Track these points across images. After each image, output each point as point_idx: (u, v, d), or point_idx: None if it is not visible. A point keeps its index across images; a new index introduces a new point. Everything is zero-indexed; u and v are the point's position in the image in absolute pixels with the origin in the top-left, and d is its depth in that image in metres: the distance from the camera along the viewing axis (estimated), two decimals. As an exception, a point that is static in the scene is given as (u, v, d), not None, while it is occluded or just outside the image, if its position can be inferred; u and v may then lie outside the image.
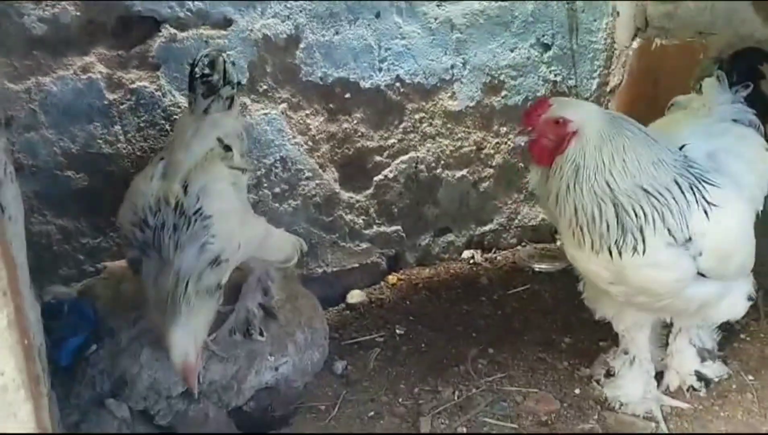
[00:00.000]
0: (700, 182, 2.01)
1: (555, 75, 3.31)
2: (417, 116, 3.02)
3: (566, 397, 2.37)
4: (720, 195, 2.01)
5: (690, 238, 1.96)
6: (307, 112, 2.79)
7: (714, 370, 2.40)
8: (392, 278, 3.16)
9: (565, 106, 2.02)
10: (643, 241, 1.92)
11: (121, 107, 2.48)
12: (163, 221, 1.99)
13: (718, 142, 2.20)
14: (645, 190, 1.93)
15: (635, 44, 3.47)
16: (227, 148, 2.21)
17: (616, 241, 1.92)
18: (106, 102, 2.45)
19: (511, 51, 3.16)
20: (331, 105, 2.83)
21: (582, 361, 2.55)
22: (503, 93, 3.19)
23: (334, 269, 3.01)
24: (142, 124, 2.52)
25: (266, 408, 2.32)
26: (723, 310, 2.20)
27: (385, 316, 2.89)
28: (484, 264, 3.29)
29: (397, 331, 2.77)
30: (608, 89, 3.55)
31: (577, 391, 2.40)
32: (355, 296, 3.02)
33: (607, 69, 3.51)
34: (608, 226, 1.93)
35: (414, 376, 2.49)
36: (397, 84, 2.94)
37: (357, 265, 3.07)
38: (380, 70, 2.89)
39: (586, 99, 3.37)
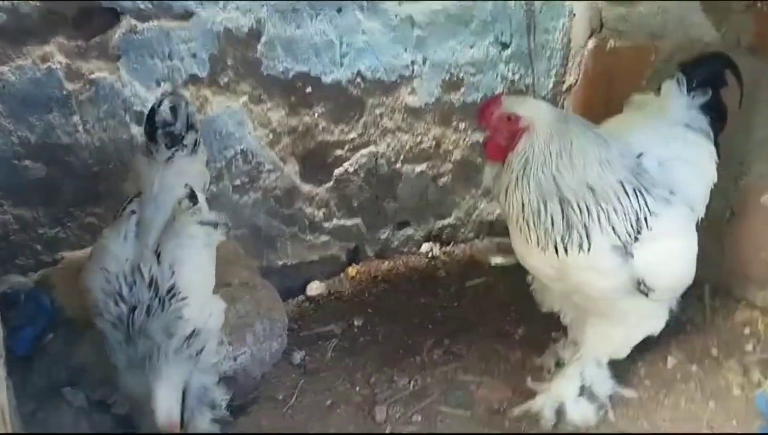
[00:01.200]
0: (646, 189, 2.06)
1: (513, 73, 3.37)
2: (377, 111, 3.06)
3: (519, 386, 2.43)
4: (663, 208, 2.06)
5: (637, 239, 2.01)
6: (269, 105, 2.81)
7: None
8: (351, 271, 3.20)
9: (517, 103, 2.06)
10: (588, 238, 1.96)
11: (81, 97, 2.47)
12: (138, 299, 1.94)
13: (669, 149, 2.23)
14: (591, 188, 1.98)
15: (590, 45, 3.56)
16: (193, 197, 2.14)
17: (562, 237, 1.97)
18: (65, 92, 2.44)
19: (471, 48, 3.21)
20: (292, 99, 2.85)
21: (534, 352, 2.62)
22: (462, 90, 3.24)
23: (294, 261, 3.04)
24: (101, 115, 2.52)
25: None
26: (646, 327, 2.25)
27: (344, 308, 2.94)
28: (442, 257, 3.35)
29: (355, 322, 2.82)
30: (564, 88, 3.63)
31: (529, 380, 2.47)
32: (315, 288, 3.06)
33: (564, 68, 3.59)
34: (553, 222, 1.97)
35: (371, 367, 2.54)
36: (358, 79, 2.97)
37: (317, 257, 3.11)
38: (341, 65, 2.92)
39: (543, 97, 3.45)
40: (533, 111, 2.04)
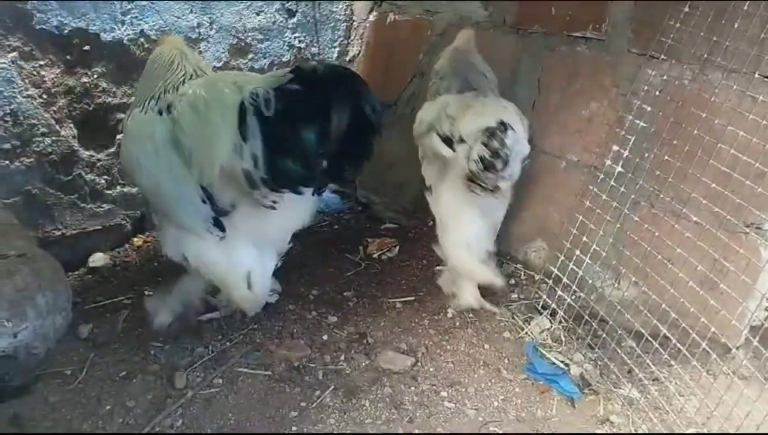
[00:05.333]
0: None
1: (299, 41, 3.43)
2: (162, 74, 2.94)
3: (315, 343, 2.52)
4: None
5: None
6: (42, 63, 2.60)
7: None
8: (138, 240, 3.08)
9: None
10: None
11: None
12: None
13: None
14: None
15: (372, 18, 3.72)
16: None
17: None
18: None
19: (257, 14, 3.21)
20: (68, 57, 2.66)
21: (328, 310, 2.73)
22: (250, 56, 3.23)
23: (74, 232, 2.86)
24: None
25: (2, 377, 2.16)
26: None
27: (132, 279, 2.82)
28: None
29: (146, 292, 2.72)
30: (348, 58, 3.77)
31: (324, 337, 2.57)
32: (98, 259, 2.91)
33: (347, 39, 3.72)
34: None
35: (166, 335, 2.47)
36: (142, 39, 2.85)
37: (99, 227, 2.94)
38: (122, 23, 2.78)
39: (328, 66, 3.54)
40: None
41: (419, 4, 3.50)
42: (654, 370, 2.32)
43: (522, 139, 2.46)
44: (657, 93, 2.51)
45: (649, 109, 2.50)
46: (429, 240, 3.26)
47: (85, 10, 2.64)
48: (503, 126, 2.34)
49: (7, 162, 2.58)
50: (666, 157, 2.42)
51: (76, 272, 2.82)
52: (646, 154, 2.51)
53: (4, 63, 2.49)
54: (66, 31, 2.62)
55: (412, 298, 2.88)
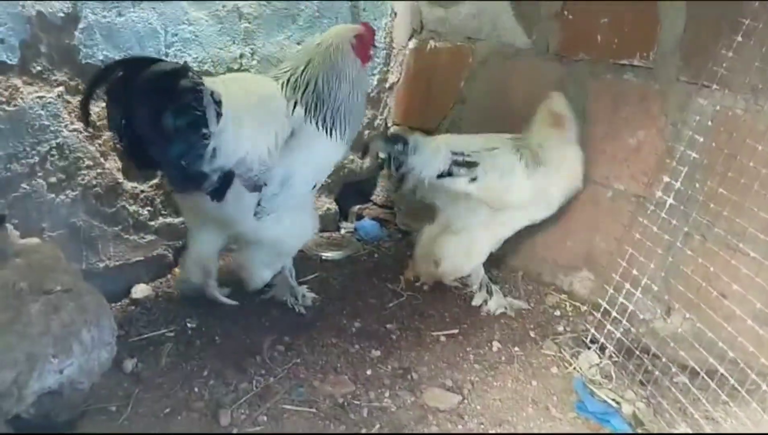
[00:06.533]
0: None
1: (339, 70, 3.41)
2: (206, 105, 2.95)
3: (359, 379, 2.48)
4: None
5: None
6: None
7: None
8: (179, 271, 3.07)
9: None
10: None
11: None
12: None
13: None
14: None
15: (411, 45, 3.70)
16: None
17: None
18: None
19: (298, 44, 3.21)
20: (113, 90, 2.67)
21: (371, 344, 2.69)
22: (291, 85, 3.23)
23: (117, 263, 2.86)
24: None
25: (48, 413, 2.15)
26: None
27: (175, 310, 2.81)
28: (274, 254, 3.31)
29: (189, 324, 2.71)
30: (387, 85, 3.75)
31: (368, 372, 2.52)
32: (141, 290, 2.90)
33: (387, 66, 3.70)
34: None
35: (210, 370, 2.44)
36: (185, 71, 2.85)
37: (142, 257, 2.94)
38: (167, 55, 2.79)
39: (368, 94, 3.52)
40: None
41: (460, 30, 3.48)
42: (709, 409, 2.25)
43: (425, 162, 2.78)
44: (709, 123, 2.45)
45: (701, 139, 2.44)
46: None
47: (130, 44, 2.66)
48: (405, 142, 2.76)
49: (53, 195, 2.59)
50: (720, 190, 2.35)
51: (119, 303, 2.82)
52: (698, 186, 2.45)
53: (51, 97, 2.51)
54: (111, 65, 2.63)
55: (456, 330, 2.83)
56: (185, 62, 2.57)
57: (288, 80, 2.57)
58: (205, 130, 2.21)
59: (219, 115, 2.23)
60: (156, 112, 2.12)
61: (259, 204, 2.49)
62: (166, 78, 2.12)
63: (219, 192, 2.35)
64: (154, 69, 2.11)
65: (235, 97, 2.33)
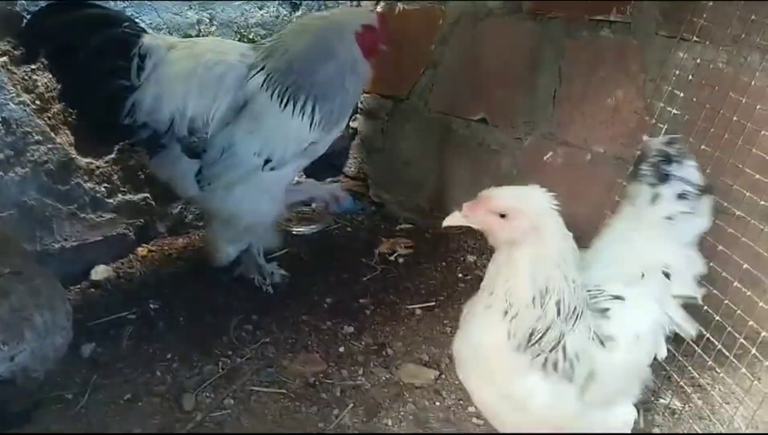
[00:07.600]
0: None
1: (305, 35, 3.27)
2: (162, 73, 2.80)
3: (331, 357, 2.38)
4: None
5: None
6: (33, 67, 2.46)
7: None
8: (142, 250, 2.95)
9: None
10: None
11: None
12: None
13: None
14: None
15: (379, 8, 3.56)
16: None
17: None
18: None
19: (260, 9, 3.07)
20: (62, 59, 2.52)
21: (344, 320, 2.58)
22: (253, 52, 3.09)
23: (74, 243, 2.72)
24: None
25: (1, 403, 2.03)
26: None
27: (137, 292, 2.69)
28: (241, 229, 3.18)
29: (152, 306, 2.60)
30: (356, 51, 3.60)
31: (341, 349, 2.43)
32: (101, 272, 2.77)
33: (355, 31, 3.55)
34: None
35: (173, 352, 2.34)
36: (138, 38, 2.70)
37: (101, 237, 2.80)
38: (118, 23, 2.63)
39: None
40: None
41: (429, -8, 3.34)
42: (695, 375, 2.17)
43: None
44: (689, 77, 2.34)
45: (681, 95, 2.33)
46: (447, 240, 3.12)
47: (78, 10, 2.50)
48: None
49: (1, 173, 2.44)
50: (702, 147, 2.24)
51: (78, 286, 2.68)
52: (680, 144, 2.35)
53: (-6, 68, 2.36)
54: (58, 33, 2.47)
55: (433, 303, 2.74)
56: (128, 16, 2.44)
57: (267, 48, 2.45)
58: (125, 82, 2.26)
59: (141, 69, 2.25)
60: (85, 54, 2.20)
61: (200, 172, 2.41)
62: (98, 24, 2.21)
63: (150, 150, 2.43)
64: (89, 13, 2.21)
65: (175, 58, 2.33)
